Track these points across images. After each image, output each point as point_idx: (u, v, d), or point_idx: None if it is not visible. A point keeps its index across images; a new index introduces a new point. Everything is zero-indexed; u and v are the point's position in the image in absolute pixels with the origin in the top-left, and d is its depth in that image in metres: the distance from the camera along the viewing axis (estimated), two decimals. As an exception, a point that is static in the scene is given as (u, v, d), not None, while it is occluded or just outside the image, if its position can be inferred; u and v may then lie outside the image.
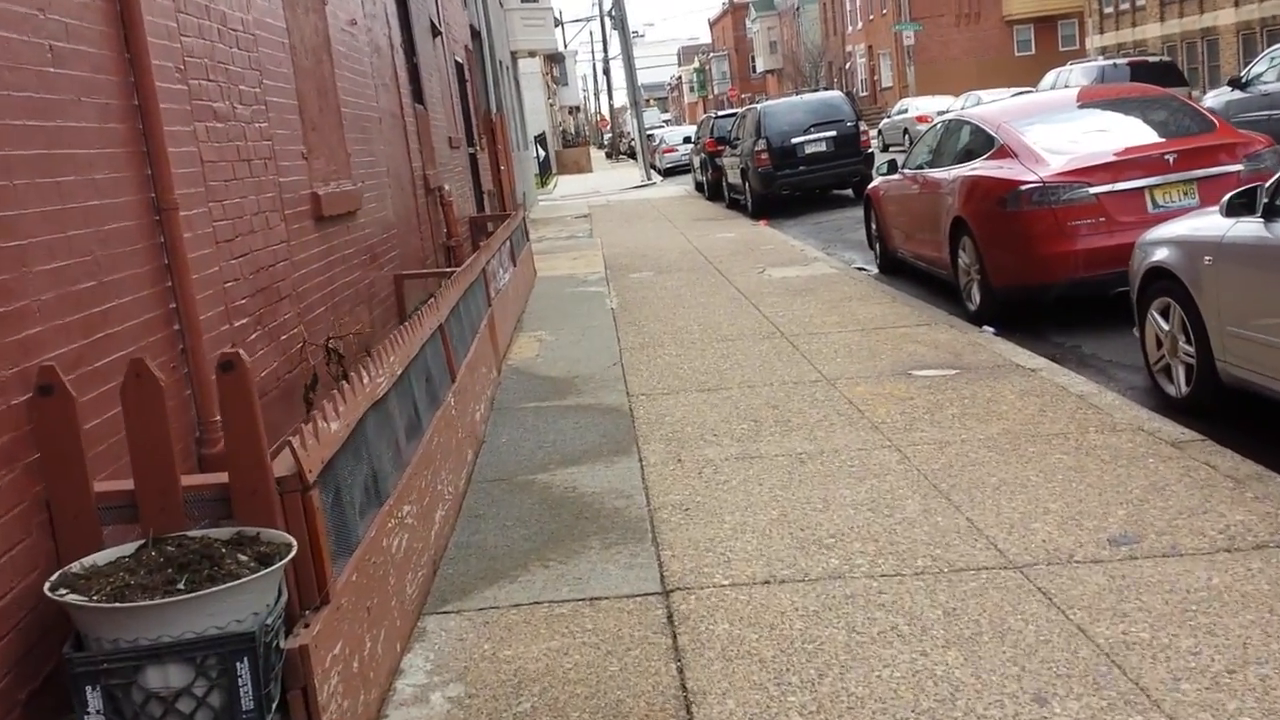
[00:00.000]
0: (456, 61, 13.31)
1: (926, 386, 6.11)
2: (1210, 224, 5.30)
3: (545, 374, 7.36)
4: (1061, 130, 8.01)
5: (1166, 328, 5.61)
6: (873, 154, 18.57)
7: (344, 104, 6.46)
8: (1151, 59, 20.30)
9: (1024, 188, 7.42)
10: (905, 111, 33.57)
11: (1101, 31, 38.34)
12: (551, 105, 55.31)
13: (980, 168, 8.16)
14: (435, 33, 11.65)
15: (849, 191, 19.15)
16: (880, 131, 33.10)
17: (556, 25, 43.25)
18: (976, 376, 6.22)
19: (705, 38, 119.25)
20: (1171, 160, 7.20)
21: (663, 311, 9.39)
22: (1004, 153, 8.00)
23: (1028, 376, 6.15)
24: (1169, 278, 5.55)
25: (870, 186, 11.18)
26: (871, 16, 58.87)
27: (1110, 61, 20.24)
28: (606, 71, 69.31)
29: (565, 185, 35.95)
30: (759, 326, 8.30)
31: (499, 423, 6.15)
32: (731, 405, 6.09)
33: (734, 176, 20.18)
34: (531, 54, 26.48)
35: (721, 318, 8.82)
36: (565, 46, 73.85)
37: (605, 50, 66.62)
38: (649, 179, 33.97)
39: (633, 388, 6.72)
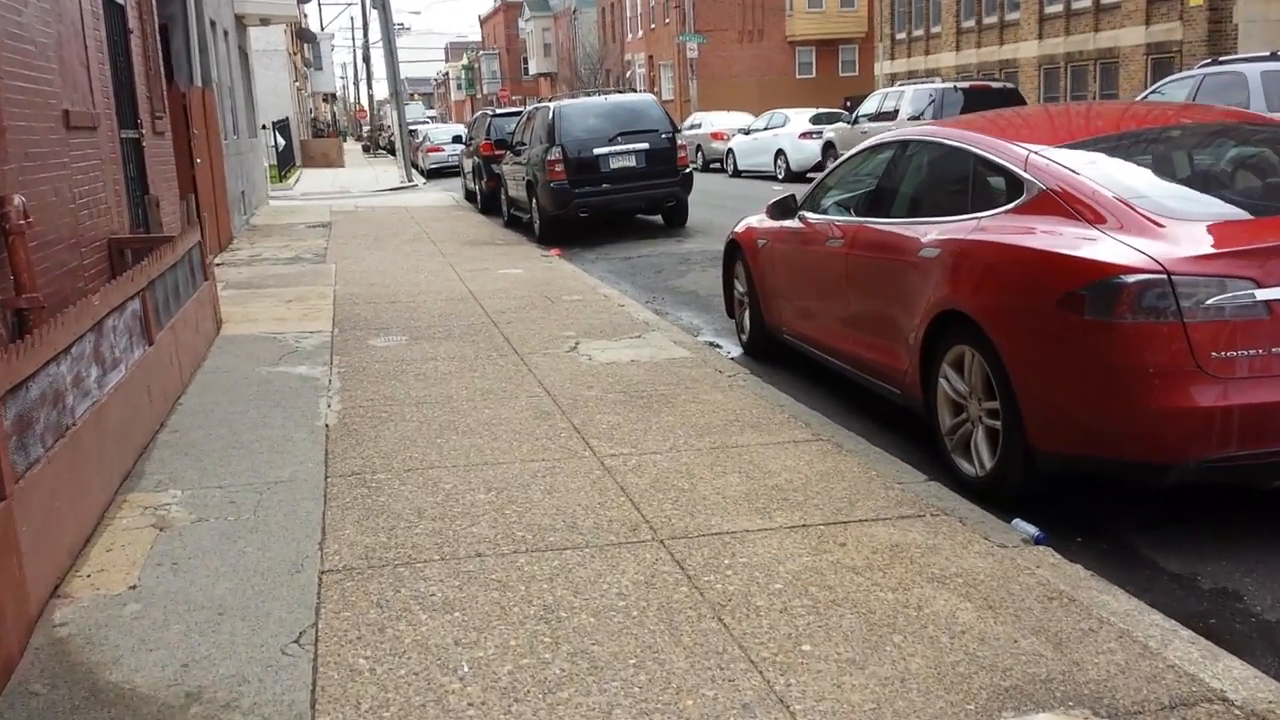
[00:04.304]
0: (113, 1, 8.60)
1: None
2: None
3: (122, 678, 3.09)
4: (1152, 175, 4.54)
5: None
6: (691, 174, 15.03)
7: None
8: (994, 84, 17.90)
9: (1129, 279, 3.84)
10: (698, 126, 30.53)
11: (893, 58, 36.88)
12: (300, 90, 49.31)
13: (1003, 228, 4.56)
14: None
15: (658, 219, 15.55)
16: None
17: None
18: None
19: (475, 35, 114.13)
20: (1397, 244, 3.83)
21: (421, 444, 5.26)
22: (1050, 205, 4.43)
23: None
24: None
25: (741, 230, 7.47)
26: (653, 26, 56.16)
27: (950, 84, 17.69)
28: (366, 59, 63.13)
29: (309, 181, 30.73)
30: (603, 502, 4.36)
31: None
32: None
33: (517, 189, 16.13)
34: (264, 21, 21.38)
35: (529, 469, 4.81)
36: (322, 28, 67.09)
37: (365, 34, 60.51)
38: (409, 180, 29.42)
39: (330, 772, 2.61)
